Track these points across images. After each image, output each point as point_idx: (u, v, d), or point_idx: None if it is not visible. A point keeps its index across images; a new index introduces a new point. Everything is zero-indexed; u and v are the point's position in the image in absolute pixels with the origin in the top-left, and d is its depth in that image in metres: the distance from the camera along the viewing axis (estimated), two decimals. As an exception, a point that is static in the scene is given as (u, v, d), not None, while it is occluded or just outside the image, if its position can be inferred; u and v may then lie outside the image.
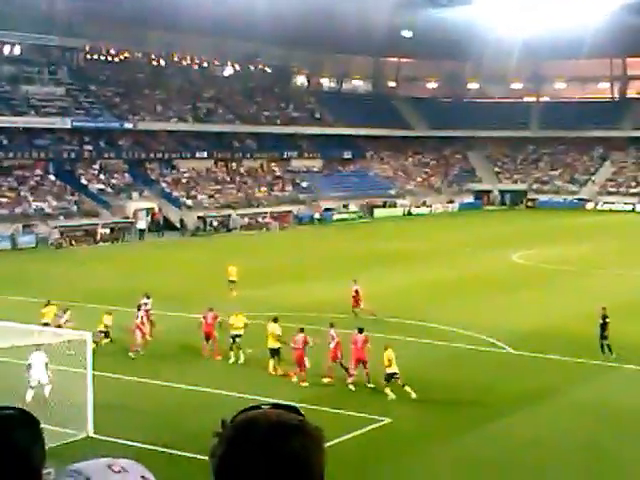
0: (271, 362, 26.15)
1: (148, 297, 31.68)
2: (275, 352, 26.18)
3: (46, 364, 22.97)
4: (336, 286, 38.88)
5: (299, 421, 2.07)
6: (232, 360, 27.47)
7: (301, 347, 25.39)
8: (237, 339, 27.72)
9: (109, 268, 49.58)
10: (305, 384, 25.05)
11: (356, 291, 35.22)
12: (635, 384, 26.17)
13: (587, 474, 18.90)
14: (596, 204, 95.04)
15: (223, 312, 29.22)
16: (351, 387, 24.73)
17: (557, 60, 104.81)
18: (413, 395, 23.60)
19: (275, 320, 26.92)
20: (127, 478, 2.11)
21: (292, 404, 2.15)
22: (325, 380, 25.42)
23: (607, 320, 28.34)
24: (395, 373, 23.84)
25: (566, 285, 40.44)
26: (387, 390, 23.77)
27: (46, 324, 28.77)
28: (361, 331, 25.65)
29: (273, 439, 2.01)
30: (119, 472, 2.11)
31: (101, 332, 29.31)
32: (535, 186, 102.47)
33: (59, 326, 27.92)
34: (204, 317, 28.87)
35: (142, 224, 68.77)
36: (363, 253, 55.38)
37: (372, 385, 24.65)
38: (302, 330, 26.10)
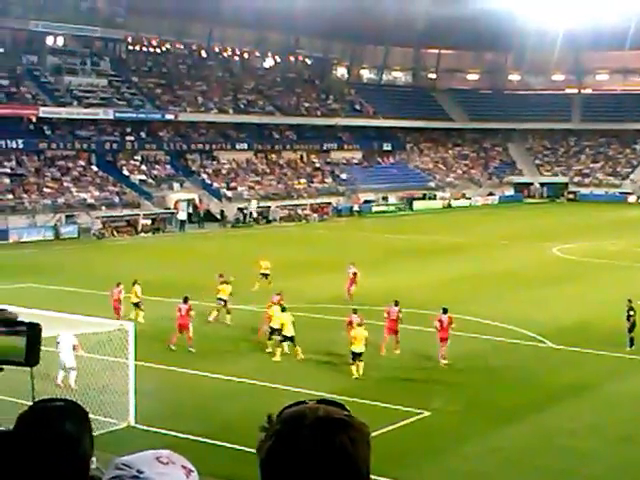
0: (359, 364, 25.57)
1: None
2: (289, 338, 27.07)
3: (73, 346, 23.22)
4: (374, 278, 38.90)
5: (346, 416, 2.10)
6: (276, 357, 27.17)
7: (395, 319, 27.86)
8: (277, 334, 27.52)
9: (150, 258, 50.00)
10: (398, 351, 27.48)
11: (354, 274, 36.38)
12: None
13: (624, 467, 18.91)
14: (638, 197, 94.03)
15: (262, 304, 29.36)
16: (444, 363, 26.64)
17: (599, 51, 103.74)
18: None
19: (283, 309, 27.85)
20: (175, 469, 2.18)
21: (336, 400, 2.18)
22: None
23: (632, 313, 28.56)
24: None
25: (606, 279, 40.18)
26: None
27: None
28: (445, 311, 27.34)
29: (321, 433, 2.03)
30: (167, 464, 2.18)
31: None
32: (576, 179, 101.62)
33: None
34: (178, 309, 28.59)
35: (183, 215, 69.21)
36: (402, 245, 55.35)
37: (447, 362, 26.53)
38: (397, 303, 28.45)
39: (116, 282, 32.69)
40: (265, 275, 38.77)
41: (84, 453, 2.37)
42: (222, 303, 31.97)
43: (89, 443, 2.40)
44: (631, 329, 28.67)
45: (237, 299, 32.77)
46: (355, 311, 27.77)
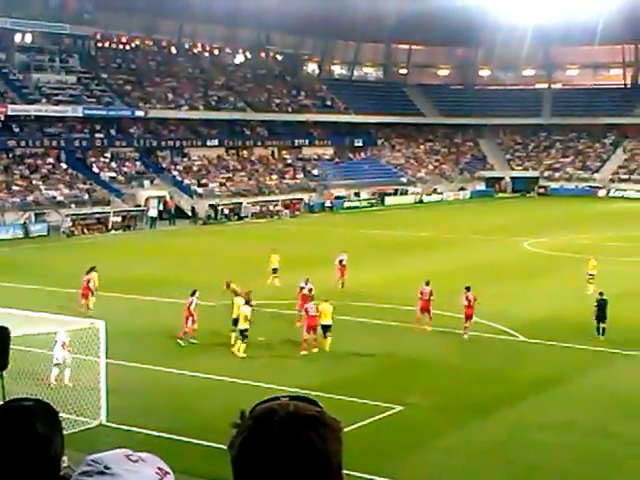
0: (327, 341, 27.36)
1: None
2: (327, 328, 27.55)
3: (63, 344, 23.30)
4: (346, 273, 38.82)
5: (317, 412, 2.10)
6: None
7: (427, 299, 30.04)
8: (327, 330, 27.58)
9: (121, 256, 49.70)
10: (430, 329, 29.70)
11: (340, 261, 37.77)
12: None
13: (595, 460, 19.00)
14: (608, 191, 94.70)
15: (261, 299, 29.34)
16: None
17: (569, 46, 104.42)
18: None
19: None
20: (145, 468, 2.17)
21: (308, 396, 2.17)
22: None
23: (602, 303, 29.37)
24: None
25: (577, 273, 40.31)
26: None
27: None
28: (469, 289, 29.64)
29: (291, 429, 2.03)
30: (137, 462, 2.17)
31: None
32: (547, 173, 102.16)
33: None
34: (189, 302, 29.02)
35: (154, 212, 68.89)
36: (374, 241, 55.40)
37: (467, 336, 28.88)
38: (428, 283, 30.84)
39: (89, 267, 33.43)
40: (274, 269, 38.84)
41: (55, 453, 2.36)
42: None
43: (60, 442, 2.39)
44: (602, 319, 29.25)
45: (216, 295, 32.59)
46: (307, 280, 31.30)
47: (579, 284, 37.36)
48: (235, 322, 27.72)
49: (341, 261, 38.20)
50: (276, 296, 34.72)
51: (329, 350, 27.19)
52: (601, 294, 30.16)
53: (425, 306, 30.41)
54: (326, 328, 27.33)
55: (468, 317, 29.33)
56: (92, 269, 33.94)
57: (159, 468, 2.20)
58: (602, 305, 29.58)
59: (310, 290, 32.04)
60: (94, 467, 2.14)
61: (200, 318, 29.20)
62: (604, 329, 29.35)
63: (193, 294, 29.18)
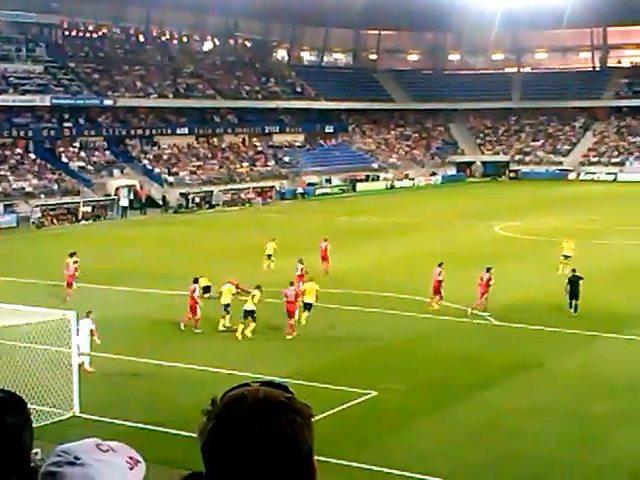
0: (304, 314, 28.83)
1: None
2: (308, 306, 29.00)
3: (91, 331, 24.13)
4: (318, 260, 38.75)
5: (287, 398, 2.09)
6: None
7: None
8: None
9: (92, 246, 49.29)
10: (437, 307, 31.11)
11: (323, 247, 38.82)
12: (615, 351, 26.52)
13: (573, 443, 18.99)
14: (578, 174, 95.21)
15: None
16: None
17: (537, 30, 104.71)
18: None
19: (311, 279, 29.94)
20: (115, 457, 2.16)
21: (280, 381, 2.17)
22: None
23: (574, 280, 30.26)
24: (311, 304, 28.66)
25: (548, 256, 40.48)
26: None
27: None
28: (488, 270, 31.10)
29: (260, 416, 2.03)
30: (107, 451, 2.17)
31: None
32: (517, 157, 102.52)
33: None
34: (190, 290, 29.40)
35: (124, 201, 68.41)
36: (346, 227, 55.32)
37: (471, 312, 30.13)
38: (441, 264, 32.11)
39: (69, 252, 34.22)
40: (269, 256, 39.58)
41: (25, 444, 2.34)
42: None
43: (29, 433, 2.36)
44: (575, 296, 30.01)
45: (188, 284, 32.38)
46: (301, 261, 33.26)
47: (551, 267, 37.51)
48: (226, 307, 28.33)
49: (323, 247, 39.02)
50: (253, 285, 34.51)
51: (305, 326, 28.09)
52: (574, 271, 30.95)
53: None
54: (307, 306, 28.58)
55: (481, 295, 30.76)
56: (73, 254, 34.53)
57: (130, 457, 2.19)
58: (574, 282, 30.29)
59: (302, 271, 33.28)
60: (64, 457, 2.13)
61: (172, 308, 29.03)
62: (577, 305, 30.05)
63: (195, 282, 29.28)
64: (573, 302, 30.17)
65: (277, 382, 2.16)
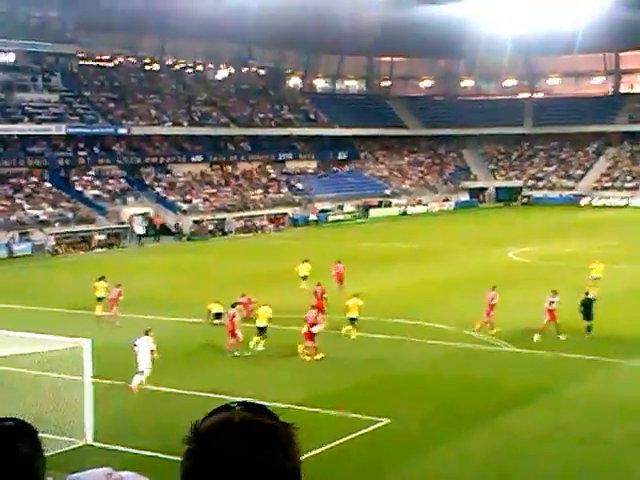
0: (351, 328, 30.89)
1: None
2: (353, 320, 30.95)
3: (152, 350, 24.89)
4: (332, 286, 38.78)
5: (263, 425, 2.03)
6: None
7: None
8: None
9: (106, 274, 49.40)
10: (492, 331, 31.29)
11: (337, 270, 40.97)
12: (631, 376, 26.39)
13: (586, 469, 18.93)
14: (591, 199, 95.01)
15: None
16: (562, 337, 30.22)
17: (550, 56, 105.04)
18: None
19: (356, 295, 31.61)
20: None
21: (261, 403, 2.11)
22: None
23: (587, 303, 30.85)
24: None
25: (562, 281, 40.35)
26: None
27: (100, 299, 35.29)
28: (555, 293, 31.16)
29: (238, 444, 1.98)
30: None
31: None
32: (530, 182, 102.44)
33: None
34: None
35: (140, 229, 68.67)
36: (358, 254, 55.26)
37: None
38: (494, 288, 32.30)
39: (116, 283, 35.24)
40: (304, 277, 41.32)
41: (37, 473, 2.31)
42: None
43: (41, 462, 2.34)
44: (588, 318, 30.57)
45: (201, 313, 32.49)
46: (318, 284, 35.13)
47: (565, 293, 37.37)
48: (260, 330, 29.12)
49: (337, 269, 41.17)
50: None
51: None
52: (587, 294, 31.46)
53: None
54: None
55: (551, 319, 30.76)
56: (102, 278, 36.24)
57: None
58: (587, 304, 30.82)
59: (322, 293, 34.49)
60: None
61: (186, 335, 29.11)
62: (590, 327, 30.50)
63: (234, 306, 29.76)
64: (586, 324, 30.55)
65: (257, 404, 2.09)
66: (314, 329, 28.35)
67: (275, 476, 1.99)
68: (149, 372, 24.69)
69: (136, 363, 24.70)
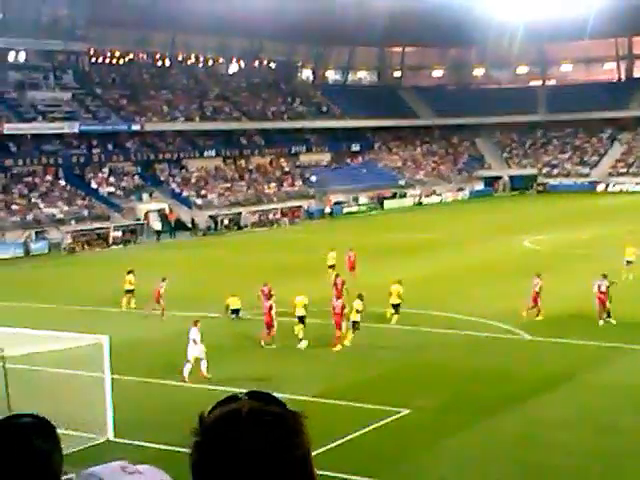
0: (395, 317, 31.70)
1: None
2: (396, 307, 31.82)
3: (194, 340, 25.43)
4: (349, 279, 38.75)
5: (272, 414, 2.01)
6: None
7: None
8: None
9: (123, 271, 49.56)
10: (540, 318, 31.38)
11: (349, 257, 42.01)
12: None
13: (606, 457, 18.84)
14: (607, 186, 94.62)
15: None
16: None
17: (561, 42, 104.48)
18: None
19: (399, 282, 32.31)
20: (141, 479, 2.16)
21: (269, 392, 2.09)
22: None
23: (606, 286, 30.74)
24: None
25: (578, 269, 40.30)
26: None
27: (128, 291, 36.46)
28: (605, 277, 30.96)
29: (247, 434, 1.96)
30: (133, 473, 2.16)
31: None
32: (545, 170, 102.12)
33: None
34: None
35: (158, 225, 68.74)
36: (375, 245, 55.25)
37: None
38: (605, 276, 31.01)
39: (161, 277, 35.43)
40: (332, 266, 41.67)
41: (55, 469, 2.33)
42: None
43: (59, 458, 2.36)
44: (609, 301, 30.56)
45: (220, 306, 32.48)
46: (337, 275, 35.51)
47: (582, 280, 37.21)
48: (301, 319, 29.35)
49: (350, 257, 41.73)
50: (281, 304, 34.65)
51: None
52: (604, 276, 31.29)
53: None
54: (396, 307, 31.99)
55: (602, 304, 30.55)
56: (130, 272, 37.24)
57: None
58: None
59: (343, 283, 34.32)
60: None
61: (205, 330, 29.10)
62: (609, 310, 30.53)
63: (270, 298, 30.22)
64: (607, 306, 30.63)
65: (266, 393, 2.08)
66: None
67: (285, 465, 1.97)
68: (205, 362, 25.30)
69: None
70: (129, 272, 37.20)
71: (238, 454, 1.94)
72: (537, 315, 31.76)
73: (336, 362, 27.03)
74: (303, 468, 2.00)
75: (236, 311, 33.14)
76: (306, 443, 2.02)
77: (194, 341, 25.45)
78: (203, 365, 25.38)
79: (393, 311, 31.89)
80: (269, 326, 29.27)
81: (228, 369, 26.60)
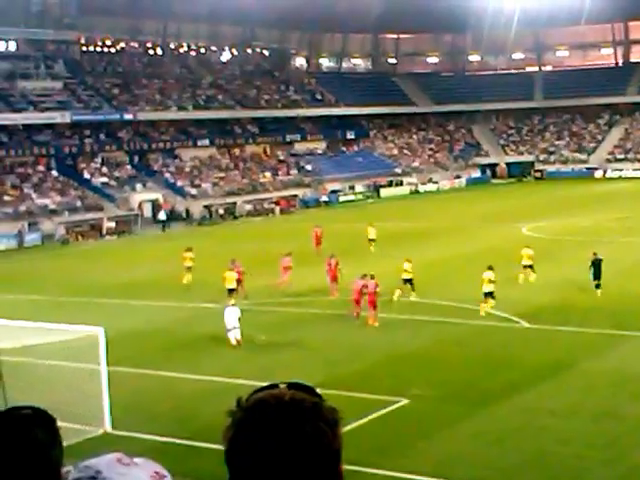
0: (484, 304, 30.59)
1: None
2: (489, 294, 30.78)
3: (239, 318, 27.13)
4: (346, 268, 38.19)
5: (313, 402, 2.02)
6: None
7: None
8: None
9: (118, 261, 49.04)
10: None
11: (316, 233, 44.74)
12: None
13: (605, 445, 18.59)
14: (605, 172, 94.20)
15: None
16: None
17: (557, 28, 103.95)
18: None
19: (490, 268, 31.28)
20: (138, 472, 2.15)
21: (308, 384, 2.07)
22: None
23: (596, 262, 32.27)
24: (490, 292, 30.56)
25: (577, 256, 39.78)
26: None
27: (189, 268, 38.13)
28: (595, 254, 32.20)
29: (284, 421, 1.96)
30: (128, 465, 2.16)
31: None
32: (542, 157, 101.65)
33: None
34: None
35: (162, 215, 67.90)
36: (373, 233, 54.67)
37: None
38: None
39: (286, 252, 36.91)
40: (372, 240, 44.88)
41: (55, 460, 2.32)
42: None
43: (59, 450, 2.35)
44: (597, 277, 31.98)
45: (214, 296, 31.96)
46: (332, 255, 35.30)
47: (580, 267, 36.71)
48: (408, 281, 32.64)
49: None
50: (275, 296, 34.26)
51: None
52: (595, 254, 32.66)
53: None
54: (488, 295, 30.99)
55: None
56: (190, 249, 38.88)
57: (155, 472, 2.18)
58: (597, 264, 32.16)
59: (336, 264, 34.68)
60: (85, 473, 2.14)
61: (200, 320, 28.68)
62: (599, 285, 31.93)
63: (363, 277, 30.76)
64: (595, 282, 31.92)
65: (305, 384, 2.07)
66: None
67: (323, 453, 1.97)
68: (238, 331, 26.92)
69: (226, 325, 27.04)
70: (188, 249, 38.53)
71: (278, 435, 1.94)
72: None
73: (334, 352, 26.65)
74: (335, 462, 2.01)
75: (231, 290, 32.66)
76: (340, 438, 2.03)
77: (239, 319, 26.97)
78: (237, 332, 27.01)
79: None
80: (357, 302, 29.98)
81: (224, 360, 26.14)
